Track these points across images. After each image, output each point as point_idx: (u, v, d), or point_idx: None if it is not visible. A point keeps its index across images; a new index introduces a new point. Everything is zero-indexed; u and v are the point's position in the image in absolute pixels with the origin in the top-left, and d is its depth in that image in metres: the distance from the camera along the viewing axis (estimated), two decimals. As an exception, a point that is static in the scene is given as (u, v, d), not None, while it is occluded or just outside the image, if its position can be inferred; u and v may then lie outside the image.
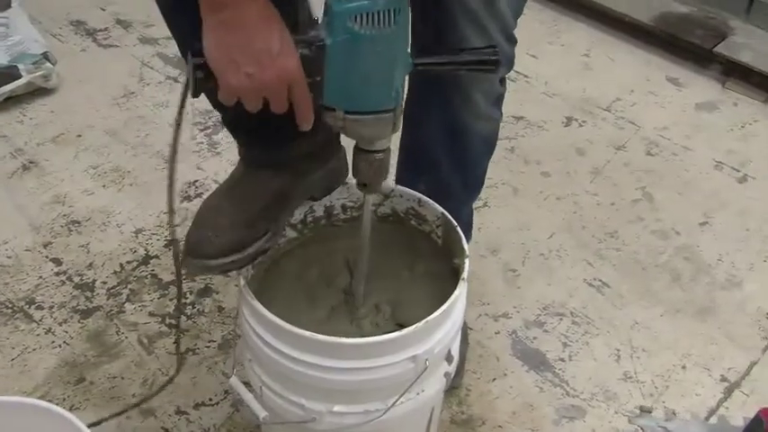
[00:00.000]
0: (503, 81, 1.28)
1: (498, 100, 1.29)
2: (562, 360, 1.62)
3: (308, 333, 1.01)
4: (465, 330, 1.60)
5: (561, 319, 1.69)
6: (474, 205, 1.90)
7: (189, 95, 0.92)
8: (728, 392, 1.57)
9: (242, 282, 1.09)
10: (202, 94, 1.10)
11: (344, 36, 0.87)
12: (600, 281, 1.78)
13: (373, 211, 1.30)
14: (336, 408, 1.09)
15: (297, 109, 0.92)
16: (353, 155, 1.02)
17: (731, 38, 2.39)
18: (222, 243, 1.08)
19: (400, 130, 1.05)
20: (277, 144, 1.09)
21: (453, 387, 1.53)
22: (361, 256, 1.14)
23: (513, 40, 1.21)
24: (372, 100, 0.93)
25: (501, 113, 1.32)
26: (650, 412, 1.06)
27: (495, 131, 1.35)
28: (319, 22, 0.92)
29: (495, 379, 1.57)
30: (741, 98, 2.34)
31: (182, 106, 0.97)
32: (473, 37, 1.14)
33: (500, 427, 1.49)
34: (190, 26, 0.90)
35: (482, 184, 1.47)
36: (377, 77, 0.91)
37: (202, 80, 0.89)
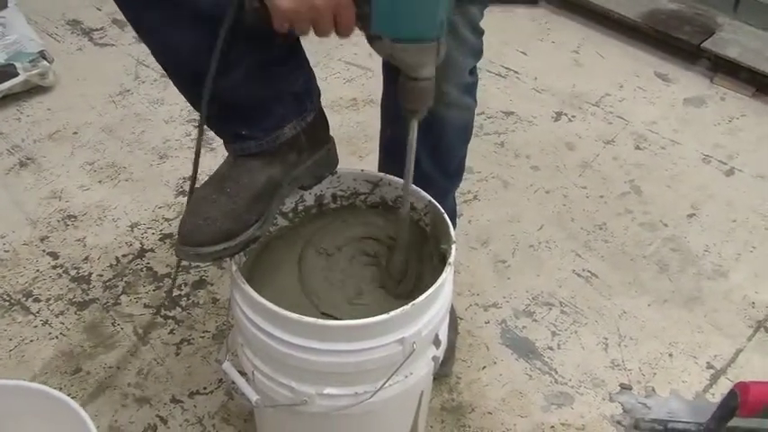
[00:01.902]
0: (473, 71, 1.31)
1: (469, 89, 1.33)
2: (551, 348, 1.64)
3: (295, 315, 1.04)
4: (455, 320, 1.63)
5: (550, 309, 1.72)
6: (464, 198, 1.95)
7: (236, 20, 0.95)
8: (714, 379, 1.60)
9: (233, 267, 1.12)
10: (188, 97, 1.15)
11: None
12: (588, 271, 1.81)
13: (363, 201, 1.33)
14: (326, 390, 1.11)
15: (340, 32, 0.97)
16: (399, 81, 1.03)
17: (719, 34, 2.43)
18: (213, 231, 1.10)
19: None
20: (265, 132, 1.11)
21: (444, 375, 1.56)
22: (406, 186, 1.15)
23: (479, 33, 1.25)
24: (417, 29, 0.96)
25: (475, 102, 1.36)
26: (630, 389, 1.08)
27: (469, 119, 1.38)
28: None
29: (484, 367, 1.60)
30: (729, 93, 2.37)
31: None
32: None
33: (490, 413, 1.52)
34: (160, 18, 0.95)
35: (462, 171, 1.50)
36: (421, 7, 0.94)
37: (258, 8, 0.93)
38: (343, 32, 0.98)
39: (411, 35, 0.97)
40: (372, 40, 0.98)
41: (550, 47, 2.55)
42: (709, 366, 1.62)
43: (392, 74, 1.29)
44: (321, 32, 0.97)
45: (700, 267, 1.83)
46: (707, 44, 2.39)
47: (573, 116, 2.27)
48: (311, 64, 1.19)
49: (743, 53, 2.35)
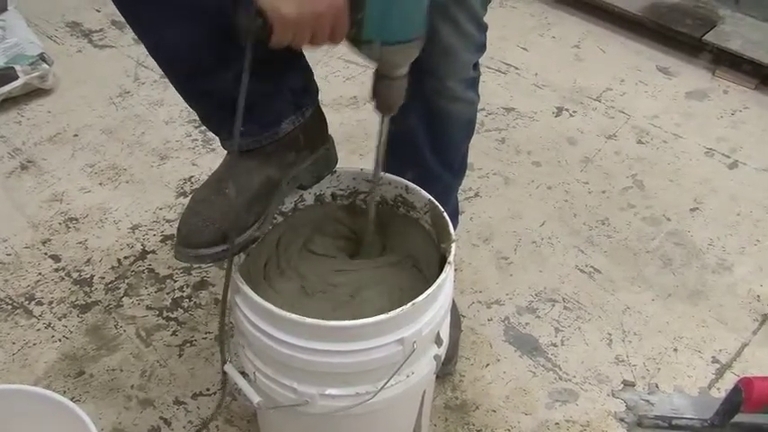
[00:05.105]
0: (476, 66, 1.31)
1: (473, 83, 1.33)
2: (554, 345, 1.64)
3: (295, 316, 1.03)
4: (458, 317, 1.62)
5: (553, 305, 1.71)
6: (466, 195, 1.94)
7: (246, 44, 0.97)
8: (720, 374, 1.59)
9: (233, 268, 1.12)
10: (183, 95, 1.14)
11: None
12: (591, 267, 1.80)
13: (362, 200, 1.32)
14: (328, 391, 1.11)
15: (335, 40, 1.00)
16: (374, 81, 1.08)
17: (720, 26, 2.41)
18: (212, 233, 1.10)
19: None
20: (263, 128, 1.11)
21: (447, 373, 1.55)
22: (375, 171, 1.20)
23: (483, 28, 1.25)
24: (409, 30, 1.01)
25: (478, 96, 1.36)
26: (633, 386, 1.08)
27: (472, 114, 1.38)
28: None
29: (488, 365, 1.60)
30: (731, 86, 2.36)
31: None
32: (444, 29, 1.17)
33: (494, 411, 1.52)
34: (157, 13, 0.96)
35: (465, 167, 1.50)
36: (413, 10, 1.00)
37: (262, 27, 0.95)
38: (337, 39, 1.00)
39: (402, 38, 1.01)
40: (361, 45, 1.02)
41: (551, 42, 2.54)
42: (715, 361, 1.61)
43: None
44: (318, 41, 0.99)
45: (704, 261, 1.82)
46: (708, 37, 2.37)
47: (574, 111, 2.26)
48: (310, 63, 1.19)
49: (745, 45, 2.33)
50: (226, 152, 1.19)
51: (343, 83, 2.31)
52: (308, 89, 1.16)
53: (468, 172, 1.54)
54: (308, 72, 1.16)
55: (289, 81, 1.11)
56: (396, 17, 0.99)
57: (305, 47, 1.01)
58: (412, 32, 1.01)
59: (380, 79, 1.07)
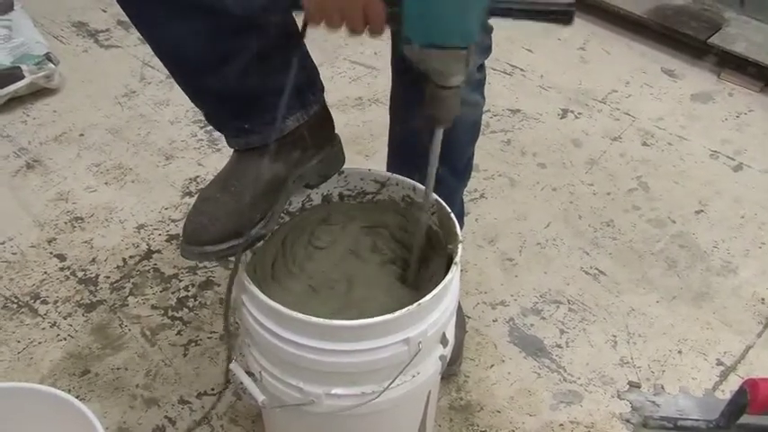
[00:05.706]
0: (481, 68, 1.31)
1: (478, 86, 1.33)
2: (559, 346, 1.64)
3: (301, 315, 1.03)
4: (463, 318, 1.62)
5: (558, 307, 1.71)
6: (471, 196, 1.94)
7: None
8: (724, 376, 1.59)
9: (239, 267, 1.12)
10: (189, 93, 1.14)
11: None
12: (596, 269, 1.80)
13: (370, 200, 1.32)
14: (334, 390, 1.11)
15: (371, 29, 0.98)
16: (427, 89, 1.02)
17: (725, 29, 2.41)
18: (218, 230, 1.10)
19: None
20: (267, 124, 1.11)
21: (452, 374, 1.55)
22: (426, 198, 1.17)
23: (488, 30, 1.25)
24: (446, 35, 0.95)
25: (483, 98, 1.36)
26: (639, 387, 1.08)
27: (478, 117, 1.38)
28: None
29: (493, 366, 1.60)
30: (736, 88, 2.36)
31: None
32: None
33: (498, 412, 1.52)
34: (159, 11, 0.97)
35: (470, 170, 1.50)
36: (452, 13, 0.93)
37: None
38: (372, 29, 0.98)
39: (439, 42, 0.95)
40: (402, 43, 0.97)
41: (556, 44, 2.55)
42: (719, 363, 1.61)
43: (402, 75, 1.29)
44: (351, 28, 0.97)
45: (708, 264, 1.82)
46: (714, 39, 2.38)
47: (579, 113, 2.26)
48: (317, 63, 1.19)
49: (750, 48, 2.33)
50: (232, 151, 1.19)
51: (349, 84, 2.31)
52: (313, 87, 1.16)
53: (473, 173, 1.55)
54: (312, 70, 1.16)
55: (293, 78, 1.11)
56: (431, 18, 0.93)
57: (349, 33, 0.98)
58: (451, 38, 0.95)
59: (430, 86, 1.02)
